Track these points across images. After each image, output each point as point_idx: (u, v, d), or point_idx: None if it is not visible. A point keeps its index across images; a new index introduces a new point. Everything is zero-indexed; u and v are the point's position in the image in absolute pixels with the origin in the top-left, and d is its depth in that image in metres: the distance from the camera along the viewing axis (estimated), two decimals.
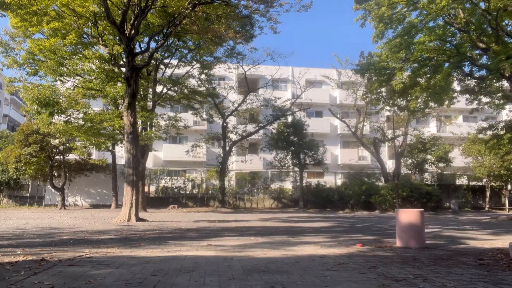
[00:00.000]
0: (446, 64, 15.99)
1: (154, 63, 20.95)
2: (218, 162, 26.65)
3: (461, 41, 15.48)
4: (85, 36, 15.93)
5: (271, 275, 3.59)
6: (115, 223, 11.35)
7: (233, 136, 27.37)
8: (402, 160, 28.67)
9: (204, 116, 27.12)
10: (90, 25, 14.88)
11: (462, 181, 31.91)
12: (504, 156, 24.15)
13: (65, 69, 17.86)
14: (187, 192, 28.32)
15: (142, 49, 17.10)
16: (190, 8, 13.05)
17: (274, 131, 27.17)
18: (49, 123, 18.93)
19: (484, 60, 16.69)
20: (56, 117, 19.08)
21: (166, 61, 22.86)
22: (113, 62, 14.96)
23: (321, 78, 32.69)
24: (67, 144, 23.59)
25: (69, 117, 19.97)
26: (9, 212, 18.28)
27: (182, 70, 25.00)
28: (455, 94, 18.92)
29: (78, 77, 19.31)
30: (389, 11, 15.00)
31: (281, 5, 15.66)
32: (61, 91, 18.84)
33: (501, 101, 19.79)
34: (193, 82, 25.23)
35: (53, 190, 24.53)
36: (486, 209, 27.87)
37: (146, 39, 18.15)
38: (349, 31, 78.60)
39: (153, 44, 16.53)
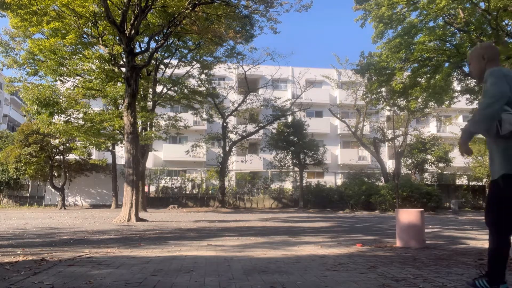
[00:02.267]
0: (446, 64, 15.99)
1: (154, 63, 20.95)
2: (218, 162, 26.64)
3: (461, 41, 15.48)
4: (85, 36, 15.93)
5: (271, 275, 3.59)
6: (115, 223, 11.35)
7: (233, 136, 27.37)
8: (402, 160, 28.67)
9: (204, 116, 27.12)
10: (90, 25, 14.89)
11: (462, 181, 31.91)
12: None
13: (65, 69, 17.86)
14: (187, 192, 28.31)
15: (142, 49, 17.10)
16: (190, 8, 13.05)
17: (274, 131, 27.17)
18: (49, 123, 18.93)
19: None
20: (56, 117, 19.08)
21: (166, 61, 22.86)
22: (113, 62, 14.96)
23: (321, 78, 32.72)
24: (67, 144, 23.59)
25: (69, 117, 19.98)
26: (9, 212, 18.28)
27: (182, 70, 25.00)
28: (455, 94, 18.93)
29: (78, 77, 19.31)
30: (389, 11, 15.00)
31: (281, 5, 15.70)
32: (61, 91, 18.84)
33: None
34: (193, 82, 25.23)
35: (53, 190, 24.53)
36: None
37: (146, 39, 18.15)
38: (349, 31, 78.62)
39: (153, 44, 16.55)
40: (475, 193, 29.33)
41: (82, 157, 24.37)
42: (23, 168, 22.85)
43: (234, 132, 27.04)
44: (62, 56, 17.02)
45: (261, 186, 29.34)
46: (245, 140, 28.74)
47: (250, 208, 26.47)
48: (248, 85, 26.79)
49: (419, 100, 18.98)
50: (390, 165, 34.80)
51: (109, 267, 3.98)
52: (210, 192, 28.68)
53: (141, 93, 20.01)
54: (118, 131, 20.62)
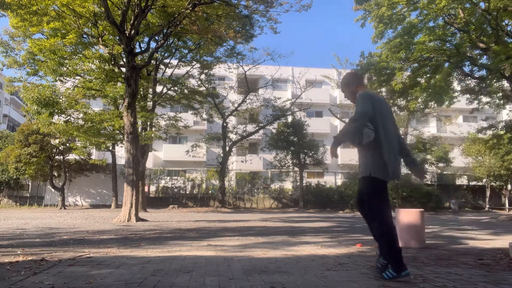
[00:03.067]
0: (446, 64, 16.00)
1: (154, 63, 20.95)
2: (218, 162, 26.64)
3: (461, 41, 15.49)
4: (85, 36, 15.93)
5: (271, 275, 3.59)
6: (115, 223, 11.35)
7: (233, 136, 27.36)
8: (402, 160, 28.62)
9: (204, 116, 27.11)
10: (90, 25, 14.89)
11: (462, 181, 31.90)
12: (504, 156, 24.16)
13: (65, 69, 17.87)
14: (187, 192, 28.30)
15: (142, 49, 17.10)
16: (190, 8, 13.05)
17: (274, 131, 27.16)
18: (49, 123, 18.93)
19: (484, 60, 16.71)
20: (56, 117, 19.08)
21: (166, 61, 22.85)
22: (113, 62, 14.96)
23: (321, 78, 32.69)
24: (67, 144, 23.58)
25: (69, 117, 19.98)
26: (9, 212, 18.28)
27: (182, 70, 24.99)
28: (455, 94, 18.94)
29: (78, 77, 19.31)
30: (389, 11, 15.01)
31: (281, 5, 15.69)
32: (61, 91, 18.85)
33: (501, 101, 19.79)
34: (193, 82, 25.22)
35: (53, 190, 24.53)
36: (486, 209, 27.88)
37: (146, 39, 18.15)
38: (349, 31, 78.61)
39: (153, 44, 16.54)
40: (475, 193, 29.33)
41: (82, 157, 24.36)
42: (23, 168, 22.85)
43: (234, 132, 27.02)
44: (62, 56, 17.02)
45: (261, 186, 29.33)
46: (245, 140, 28.72)
47: (250, 208, 26.46)
48: (248, 85, 26.78)
49: (419, 100, 18.98)
50: None
51: (109, 267, 3.98)
52: (210, 192, 28.67)
53: (141, 93, 20.01)
54: (118, 131, 20.62)
